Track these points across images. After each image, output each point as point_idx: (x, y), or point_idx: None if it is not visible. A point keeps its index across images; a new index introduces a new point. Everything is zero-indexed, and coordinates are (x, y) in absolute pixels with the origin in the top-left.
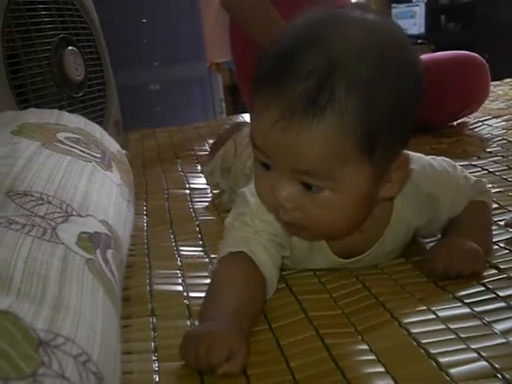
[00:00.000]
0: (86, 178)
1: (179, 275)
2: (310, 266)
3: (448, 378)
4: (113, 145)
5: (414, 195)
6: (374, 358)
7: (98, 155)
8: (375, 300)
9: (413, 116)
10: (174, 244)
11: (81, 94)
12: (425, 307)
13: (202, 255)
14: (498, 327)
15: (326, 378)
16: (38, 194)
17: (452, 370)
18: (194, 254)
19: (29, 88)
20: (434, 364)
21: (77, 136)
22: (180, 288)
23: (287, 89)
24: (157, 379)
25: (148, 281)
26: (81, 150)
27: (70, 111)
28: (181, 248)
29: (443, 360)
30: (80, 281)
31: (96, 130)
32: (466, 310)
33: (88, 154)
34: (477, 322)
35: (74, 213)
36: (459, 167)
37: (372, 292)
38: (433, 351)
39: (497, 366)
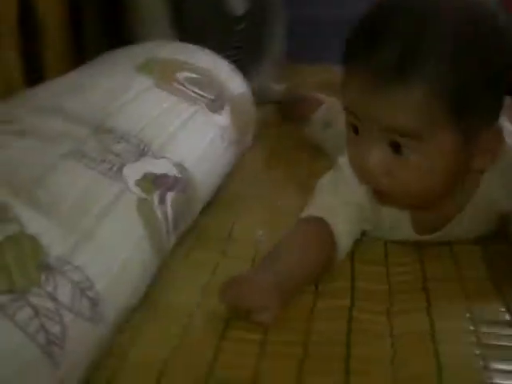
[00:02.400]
0: (182, 119)
1: None
2: (391, 237)
3: None
4: (238, 86)
5: (507, 171)
6: (389, 341)
7: (211, 97)
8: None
9: (504, 89)
10: None
11: (240, 28)
12: (464, 304)
13: None
14: None
15: (331, 347)
16: (121, 132)
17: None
18: None
19: (187, 21)
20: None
21: (197, 76)
22: None
23: (381, 51)
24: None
25: None
26: (193, 91)
27: (227, 44)
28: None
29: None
30: (122, 219)
31: (224, 70)
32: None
33: (199, 94)
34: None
35: (149, 153)
36: None
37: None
38: (441, 349)
39: None
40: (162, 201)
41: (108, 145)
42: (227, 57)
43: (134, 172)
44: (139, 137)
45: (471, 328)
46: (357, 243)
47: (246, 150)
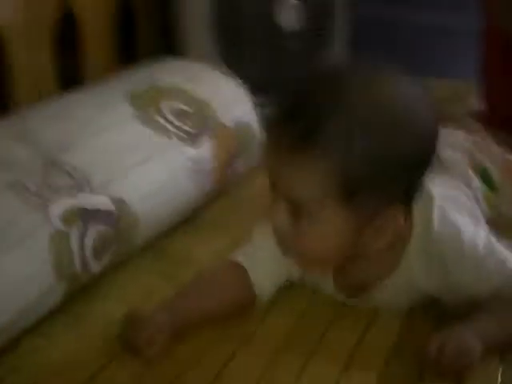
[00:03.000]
0: (144, 154)
1: None
2: (324, 291)
3: None
4: (237, 114)
5: (427, 256)
6: None
7: (190, 129)
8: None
9: (408, 178)
10: None
11: (292, 44)
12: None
13: None
14: None
15: None
16: (70, 166)
17: None
18: None
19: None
20: None
21: (185, 106)
22: None
23: (287, 126)
24: None
25: None
26: (172, 123)
27: (275, 58)
28: None
29: None
30: (30, 249)
31: (226, 97)
32: None
33: (177, 127)
34: None
35: (87, 189)
36: (505, 253)
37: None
38: None
39: None
40: (83, 234)
41: (50, 178)
42: (276, 72)
43: (62, 206)
44: (85, 172)
45: None
46: (285, 289)
47: (239, 176)
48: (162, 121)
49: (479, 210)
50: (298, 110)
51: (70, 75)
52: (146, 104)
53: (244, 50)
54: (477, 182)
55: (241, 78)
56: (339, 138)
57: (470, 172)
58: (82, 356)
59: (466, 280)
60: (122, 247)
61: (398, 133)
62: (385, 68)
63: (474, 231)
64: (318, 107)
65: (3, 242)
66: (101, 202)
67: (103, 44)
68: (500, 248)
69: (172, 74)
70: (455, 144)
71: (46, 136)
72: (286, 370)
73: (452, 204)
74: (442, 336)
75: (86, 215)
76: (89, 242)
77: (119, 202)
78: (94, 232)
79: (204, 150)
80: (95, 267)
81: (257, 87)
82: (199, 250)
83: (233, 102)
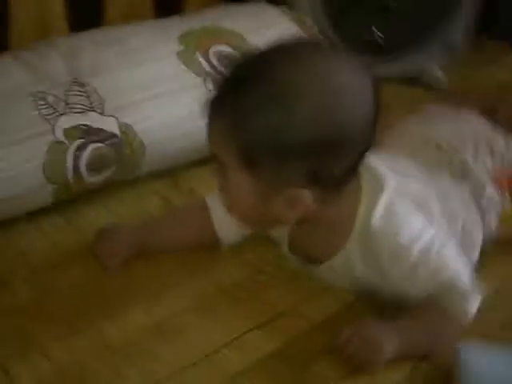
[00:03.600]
0: (169, 89)
1: None
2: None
3: None
4: None
5: (365, 246)
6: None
7: None
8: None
9: (314, 161)
10: None
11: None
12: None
13: None
14: None
15: None
16: (91, 87)
17: None
18: None
19: None
20: None
21: (232, 52)
22: None
23: (215, 91)
24: None
25: None
26: (212, 65)
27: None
28: None
29: None
30: (28, 151)
31: None
32: None
33: (215, 69)
34: None
35: (99, 110)
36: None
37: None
38: None
39: None
40: (81, 148)
41: (70, 96)
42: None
43: (69, 121)
44: (104, 96)
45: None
46: (253, 241)
47: None
48: (203, 61)
49: (478, 223)
50: (226, 80)
51: (169, 3)
52: (195, 43)
53: (350, 9)
54: (491, 194)
55: (344, 38)
56: (245, 110)
57: (489, 183)
58: (58, 249)
59: (396, 280)
60: (124, 170)
61: (308, 115)
62: (335, 51)
63: (418, 234)
64: (238, 79)
65: (4, 137)
66: (107, 123)
67: None
68: (446, 255)
69: (241, 18)
70: (496, 152)
71: (85, 58)
72: (214, 311)
73: (406, 200)
74: (359, 326)
75: (88, 132)
76: (85, 155)
77: (125, 127)
78: (93, 148)
79: None
80: (90, 180)
81: (360, 49)
82: (206, 185)
83: None
